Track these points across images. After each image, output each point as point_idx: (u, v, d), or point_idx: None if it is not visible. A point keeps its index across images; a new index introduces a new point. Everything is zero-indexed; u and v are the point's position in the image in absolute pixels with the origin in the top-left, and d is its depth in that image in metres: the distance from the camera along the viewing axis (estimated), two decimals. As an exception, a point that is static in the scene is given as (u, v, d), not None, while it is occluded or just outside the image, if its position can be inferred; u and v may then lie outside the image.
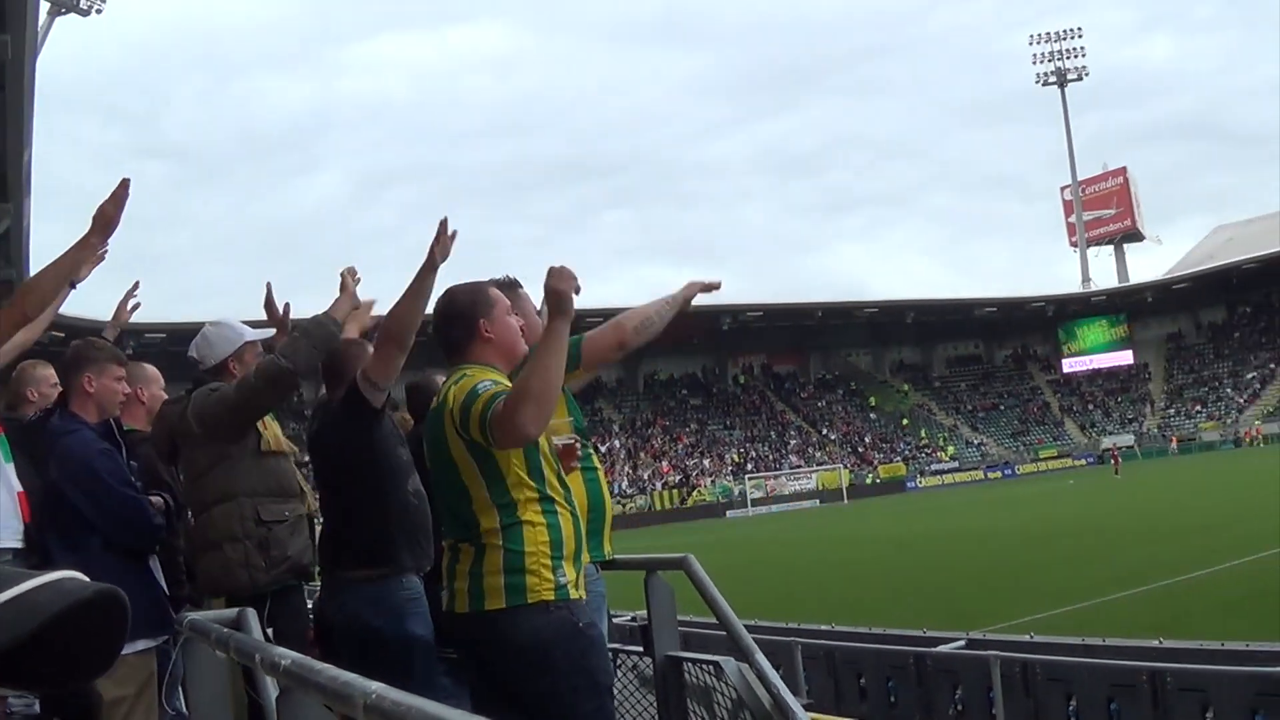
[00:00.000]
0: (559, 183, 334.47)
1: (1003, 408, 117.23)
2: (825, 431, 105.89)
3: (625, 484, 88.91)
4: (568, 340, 4.74)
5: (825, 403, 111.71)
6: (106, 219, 5.41)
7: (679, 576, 5.50)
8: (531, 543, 4.65)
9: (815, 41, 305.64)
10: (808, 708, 5.16)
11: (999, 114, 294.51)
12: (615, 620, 9.20)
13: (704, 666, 5.38)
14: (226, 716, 4.40)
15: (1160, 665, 12.27)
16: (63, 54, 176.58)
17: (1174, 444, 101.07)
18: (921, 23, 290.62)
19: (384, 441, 6.02)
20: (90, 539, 5.99)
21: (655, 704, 5.78)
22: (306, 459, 6.61)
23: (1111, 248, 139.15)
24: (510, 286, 5.75)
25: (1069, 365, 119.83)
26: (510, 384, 4.72)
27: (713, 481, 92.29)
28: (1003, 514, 50.95)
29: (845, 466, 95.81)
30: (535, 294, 6.00)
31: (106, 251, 6.21)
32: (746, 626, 5.27)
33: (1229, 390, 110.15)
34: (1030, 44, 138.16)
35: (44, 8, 59.91)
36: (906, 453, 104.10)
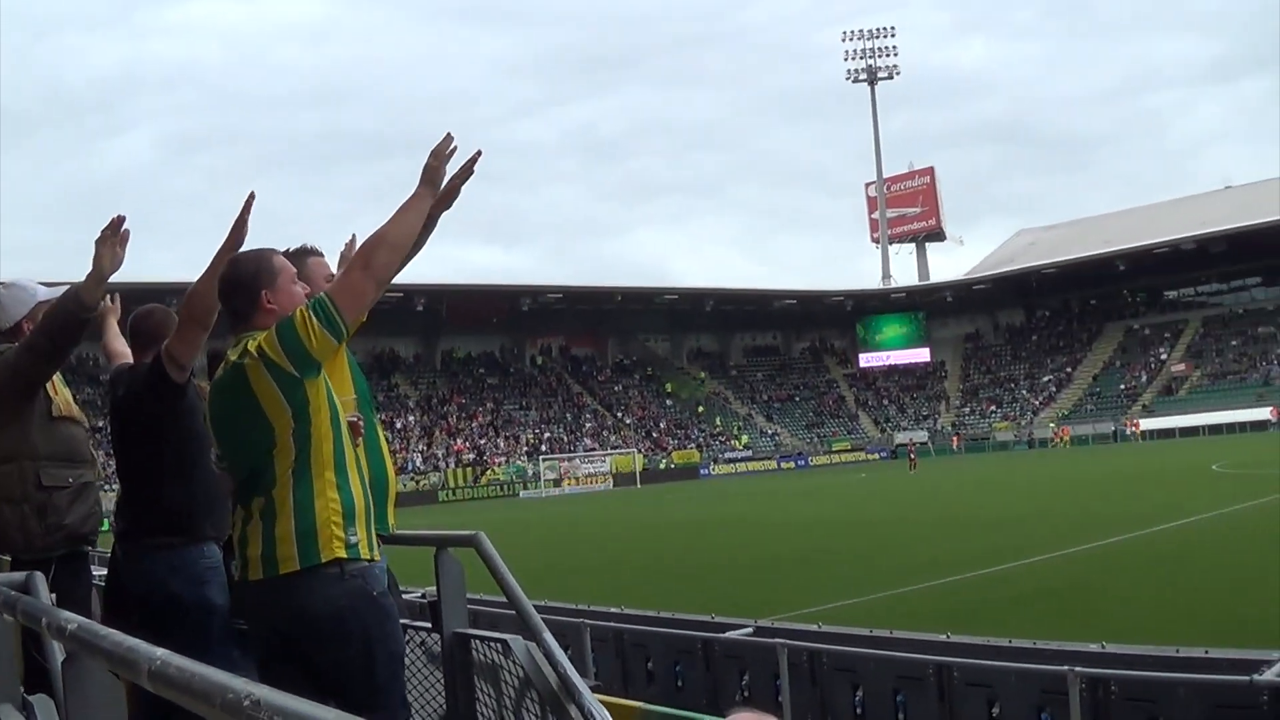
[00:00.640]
0: (368, 157, 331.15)
1: (798, 399, 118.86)
2: (621, 415, 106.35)
3: (419, 461, 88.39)
4: (426, 211, 5.08)
5: (622, 387, 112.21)
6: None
7: (470, 555, 5.49)
8: (322, 504, 4.64)
9: (629, 27, 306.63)
10: (595, 689, 5.19)
11: (810, 109, 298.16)
12: (405, 596, 9.14)
13: (492, 644, 5.37)
14: (13, 681, 4.30)
15: (947, 659, 12.47)
16: None
17: (955, 442, 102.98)
18: (737, 14, 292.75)
19: (188, 412, 5.94)
20: None
21: (443, 680, 5.78)
22: (101, 424, 6.49)
23: (913, 246, 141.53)
24: (301, 254, 5.70)
25: (866, 360, 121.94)
26: None
27: (507, 461, 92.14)
28: (795, 504, 51.57)
29: (639, 451, 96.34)
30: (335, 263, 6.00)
31: None
32: (536, 607, 5.28)
33: (1024, 392, 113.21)
34: (843, 40, 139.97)
35: None
36: (701, 440, 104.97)
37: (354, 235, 6.02)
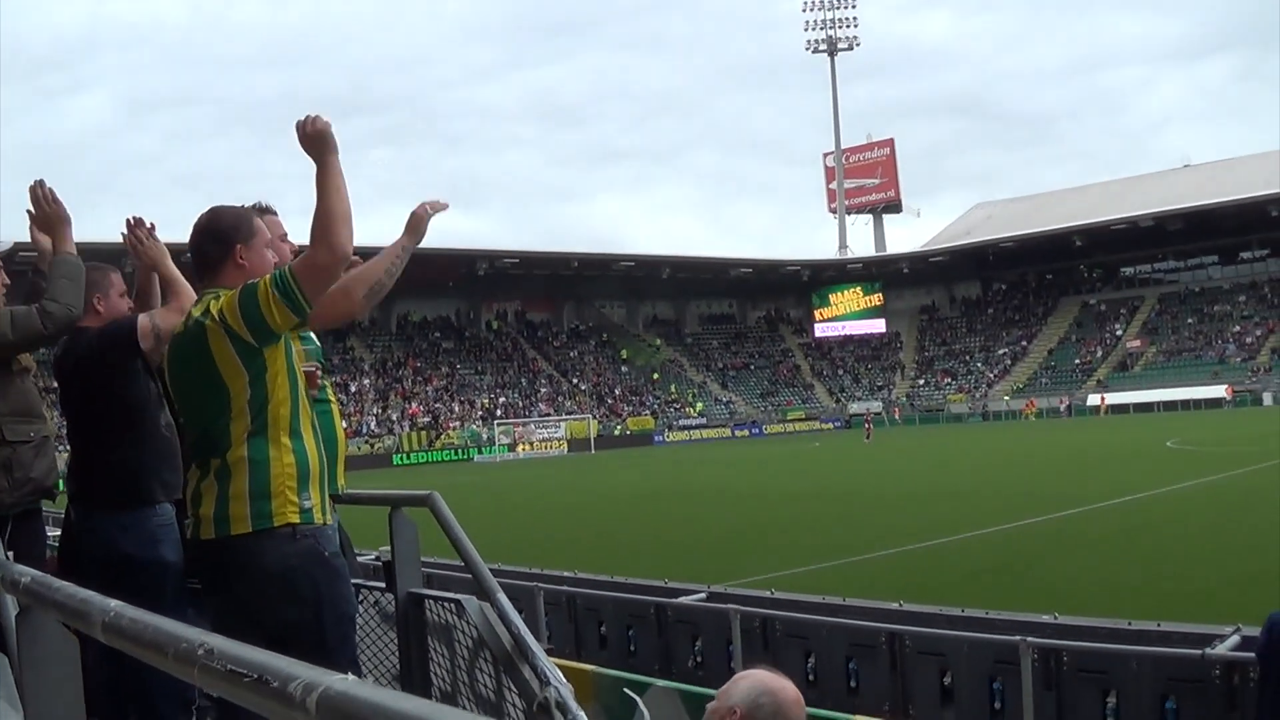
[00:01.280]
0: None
1: (753, 368, 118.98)
2: (576, 381, 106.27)
3: (374, 424, 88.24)
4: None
5: (577, 353, 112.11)
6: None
7: (424, 516, 5.47)
8: (278, 467, 4.61)
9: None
10: (548, 653, 5.17)
11: (770, 78, 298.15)
12: (360, 559, 9.09)
13: (446, 604, 5.35)
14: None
15: (900, 628, 12.51)
16: None
17: (896, 414, 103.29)
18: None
19: (142, 373, 5.92)
20: None
21: (396, 641, 5.75)
22: (55, 385, 6.44)
23: (870, 217, 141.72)
24: (260, 211, 5.64)
25: (821, 330, 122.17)
26: None
27: (462, 425, 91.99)
28: (749, 473, 51.70)
29: (594, 417, 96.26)
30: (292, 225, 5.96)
31: None
32: (490, 570, 5.26)
33: (979, 365, 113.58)
34: (803, 10, 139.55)
35: None
36: (655, 407, 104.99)
37: None
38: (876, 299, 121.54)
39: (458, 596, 5.26)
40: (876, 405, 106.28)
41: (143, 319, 5.86)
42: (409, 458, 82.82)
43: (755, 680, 3.47)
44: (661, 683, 10.54)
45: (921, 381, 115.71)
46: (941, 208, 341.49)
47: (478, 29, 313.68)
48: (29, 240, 6.61)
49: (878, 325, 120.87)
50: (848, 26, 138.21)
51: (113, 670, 5.62)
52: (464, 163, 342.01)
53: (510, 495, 47.01)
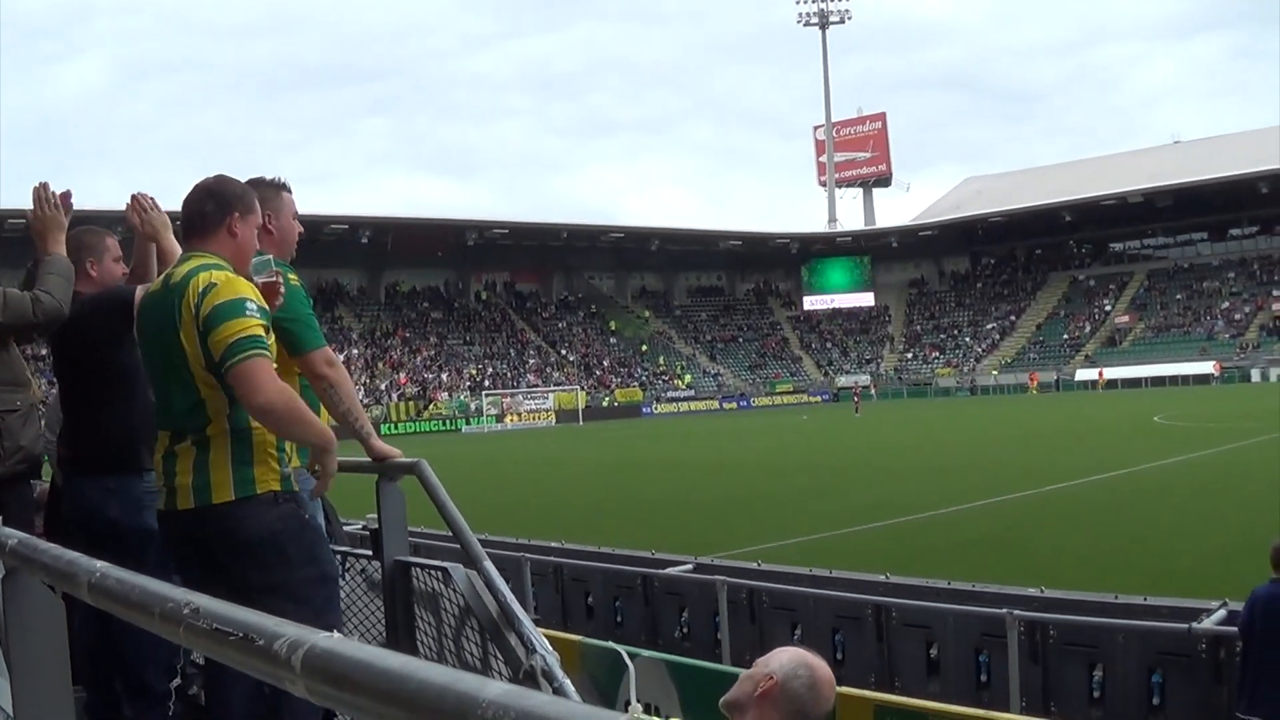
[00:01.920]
0: (319, 86, 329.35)
1: (741, 340, 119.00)
2: (564, 353, 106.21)
3: (362, 393, 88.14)
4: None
5: (566, 324, 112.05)
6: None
7: (412, 485, 5.46)
8: (260, 435, 4.61)
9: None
10: (535, 624, 5.18)
11: (764, 51, 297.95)
12: (346, 527, 9.08)
13: (432, 572, 5.35)
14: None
15: (886, 600, 12.56)
16: None
17: (873, 389, 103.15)
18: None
19: (134, 342, 5.91)
20: None
21: (383, 608, 5.76)
22: (45, 351, 6.44)
23: (860, 191, 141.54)
24: (276, 187, 5.72)
25: (810, 303, 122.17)
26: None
27: (450, 396, 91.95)
28: (737, 444, 51.80)
29: (582, 388, 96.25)
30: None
31: None
32: (478, 540, 5.27)
33: (968, 339, 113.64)
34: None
35: None
36: (644, 378, 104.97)
37: None
38: (865, 272, 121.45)
39: (444, 565, 5.27)
40: (865, 378, 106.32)
41: (140, 291, 5.84)
42: (397, 428, 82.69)
43: (795, 654, 3.59)
44: (648, 653, 10.56)
45: (910, 355, 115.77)
46: (932, 182, 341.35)
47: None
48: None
49: (866, 299, 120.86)
50: (839, 0, 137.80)
51: (98, 636, 5.62)
52: (457, 132, 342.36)
53: (498, 466, 47.03)
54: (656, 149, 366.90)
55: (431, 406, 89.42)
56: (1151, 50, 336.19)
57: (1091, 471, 29.53)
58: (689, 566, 15.51)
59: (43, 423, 6.55)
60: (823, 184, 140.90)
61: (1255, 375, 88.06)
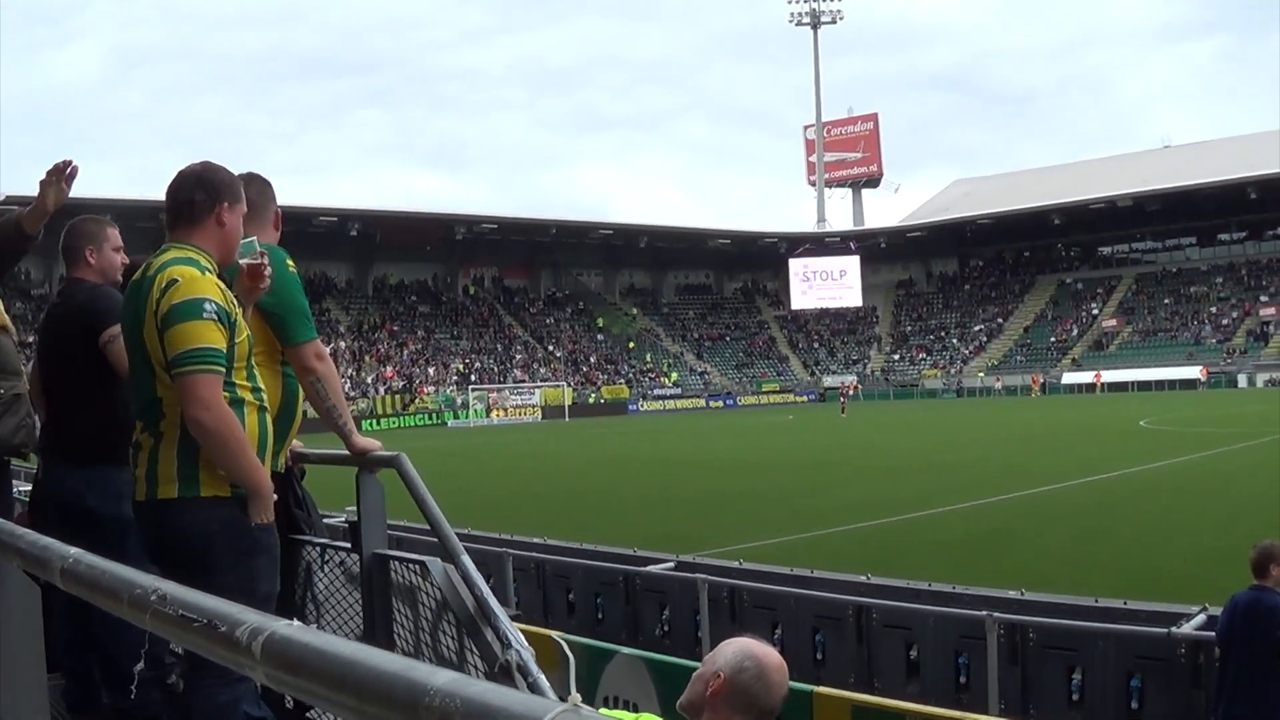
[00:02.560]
0: (314, 77, 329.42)
1: (729, 339, 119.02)
2: (551, 348, 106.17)
3: (348, 386, 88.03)
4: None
5: (553, 320, 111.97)
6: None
7: (392, 479, 5.48)
8: None
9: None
10: (515, 619, 5.20)
11: (758, 50, 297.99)
12: (326, 519, 9.14)
13: (410, 566, 5.37)
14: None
15: (867, 601, 12.59)
16: None
17: (853, 390, 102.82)
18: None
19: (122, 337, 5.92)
20: None
21: (361, 601, 5.77)
22: (32, 339, 6.42)
23: (849, 191, 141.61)
24: (268, 183, 5.77)
25: (798, 303, 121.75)
26: (223, 290, 4.65)
27: (436, 390, 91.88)
28: (722, 443, 51.81)
29: (569, 385, 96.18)
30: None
31: None
32: (459, 535, 5.28)
33: (955, 340, 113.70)
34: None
35: None
36: (630, 375, 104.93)
37: None
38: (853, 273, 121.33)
39: (422, 558, 5.28)
40: (852, 378, 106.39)
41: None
42: (382, 422, 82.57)
43: (740, 646, 3.55)
44: (629, 650, 10.57)
45: (896, 356, 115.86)
46: (922, 184, 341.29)
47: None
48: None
49: (854, 299, 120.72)
50: (831, 0, 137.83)
51: (76, 624, 5.64)
52: (450, 125, 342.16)
53: (483, 461, 47.05)
54: (648, 146, 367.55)
55: (417, 400, 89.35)
56: (1143, 54, 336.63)
57: (1076, 475, 29.61)
58: (670, 564, 15.54)
59: (36, 418, 6.51)
60: (812, 183, 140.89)
61: (1242, 380, 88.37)
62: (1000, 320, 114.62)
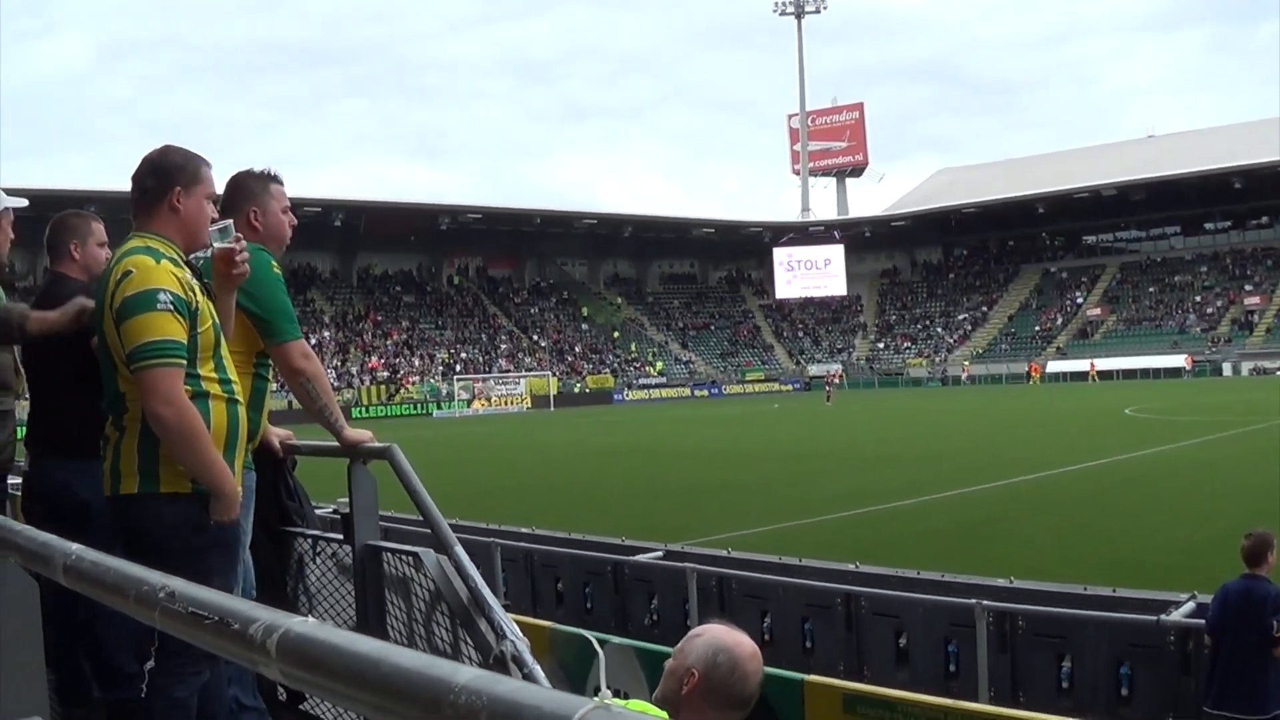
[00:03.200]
0: (297, 67, 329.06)
1: (714, 328, 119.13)
2: (536, 338, 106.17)
3: (333, 377, 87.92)
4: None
5: (538, 309, 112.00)
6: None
7: (384, 470, 5.47)
8: None
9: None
10: (504, 609, 5.19)
11: (742, 39, 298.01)
12: (318, 511, 9.14)
13: (403, 557, 5.36)
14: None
15: (856, 589, 12.59)
16: None
17: (838, 379, 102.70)
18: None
19: None
20: None
21: (354, 592, 5.76)
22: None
23: (833, 180, 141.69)
24: (264, 179, 5.77)
25: (782, 292, 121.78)
26: (180, 279, 4.59)
27: (421, 380, 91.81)
28: (708, 432, 51.84)
29: (554, 374, 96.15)
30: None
31: None
32: (447, 523, 5.27)
33: (939, 329, 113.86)
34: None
35: None
36: (615, 365, 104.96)
37: None
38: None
39: (415, 549, 5.27)
40: (837, 367, 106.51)
41: None
42: (367, 411, 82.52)
43: (710, 638, 3.42)
44: (617, 640, 10.57)
45: (881, 345, 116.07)
46: (906, 173, 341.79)
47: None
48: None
49: (839, 288, 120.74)
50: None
51: (64, 619, 5.61)
52: (433, 115, 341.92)
53: (469, 451, 46.98)
54: (633, 136, 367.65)
55: (402, 391, 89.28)
56: (1129, 44, 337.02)
57: (1063, 463, 29.67)
58: (659, 554, 15.53)
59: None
60: (796, 173, 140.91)
61: (1226, 369, 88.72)
62: (985, 309, 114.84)
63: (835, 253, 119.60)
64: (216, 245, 4.85)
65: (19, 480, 6.93)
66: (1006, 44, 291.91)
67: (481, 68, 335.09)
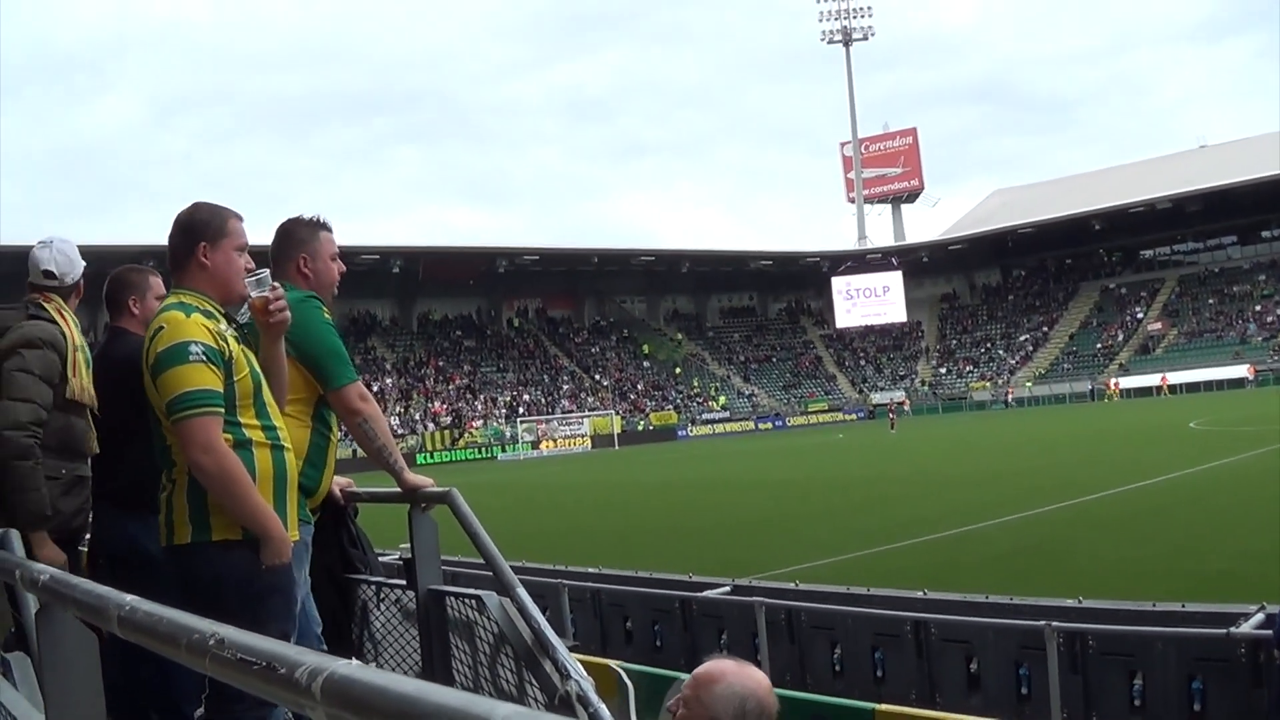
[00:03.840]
0: (353, 116, 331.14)
1: (775, 360, 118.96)
2: (598, 377, 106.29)
3: (396, 423, 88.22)
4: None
5: (599, 349, 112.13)
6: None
7: (445, 515, 5.49)
8: None
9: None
10: (573, 649, 5.20)
11: (794, 69, 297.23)
12: (381, 558, 9.18)
13: (466, 601, 5.37)
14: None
15: (924, 616, 12.53)
16: None
17: (906, 405, 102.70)
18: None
19: None
20: None
21: (419, 637, 5.78)
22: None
23: (889, 207, 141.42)
24: (313, 227, 5.80)
25: (842, 321, 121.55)
26: (211, 330, 4.65)
27: (484, 424, 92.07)
28: (772, 465, 51.70)
29: (617, 413, 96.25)
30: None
31: None
32: (513, 567, 5.29)
33: (1001, 351, 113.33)
34: (818, 1, 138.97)
35: None
36: (678, 401, 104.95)
37: None
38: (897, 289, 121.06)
39: (478, 592, 5.28)
40: (900, 394, 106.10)
41: None
42: (432, 457, 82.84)
43: (732, 684, 3.18)
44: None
45: (944, 370, 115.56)
46: (961, 196, 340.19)
47: (505, 25, 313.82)
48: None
49: (898, 314, 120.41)
50: (862, 16, 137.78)
51: (133, 671, 5.64)
52: (490, 160, 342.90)
53: (534, 492, 47.07)
54: (689, 171, 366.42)
55: (466, 435, 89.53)
56: (1179, 54, 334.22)
57: (1128, 480, 29.43)
58: (726, 588, 15.50)
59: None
60: (851, 200, 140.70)
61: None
62: (1045, 329, 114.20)
63: (894, 279, 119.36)
64: (253, 295, 4.89)
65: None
66: (1056, 60, 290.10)
67: (536, 109, 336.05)
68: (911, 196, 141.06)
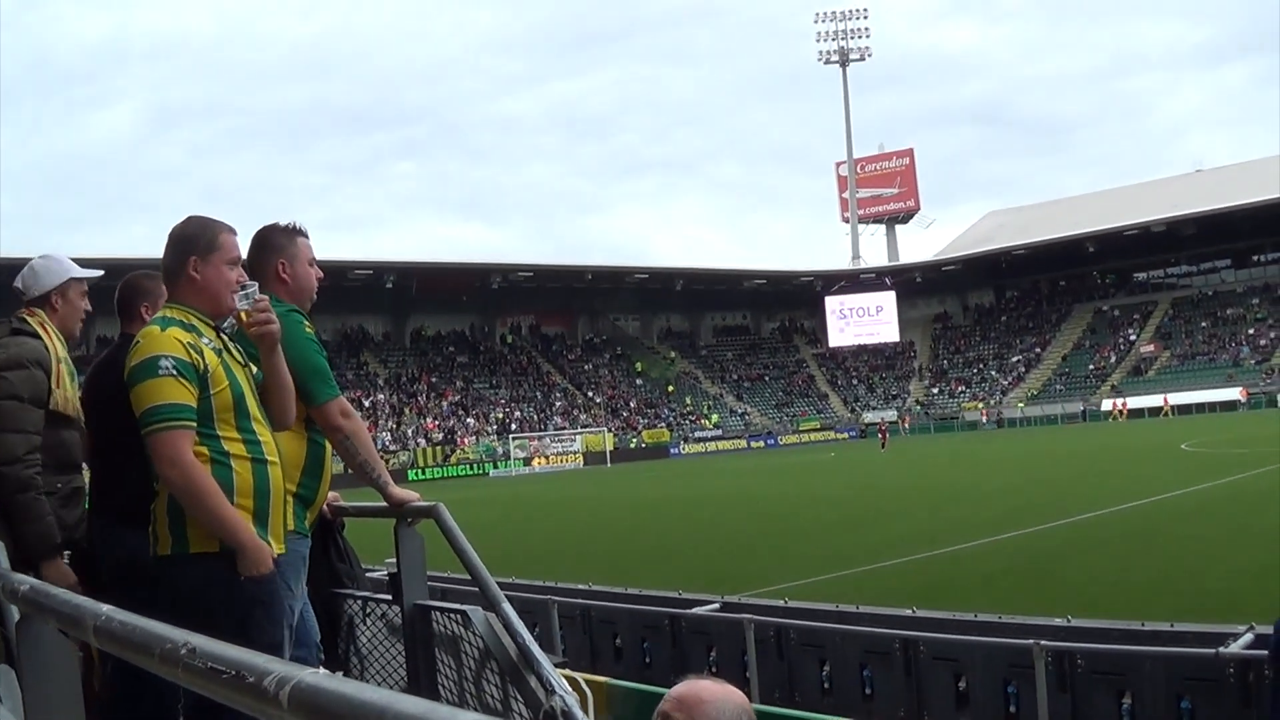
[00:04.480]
0: (351, 130, 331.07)
1: (768, 379, 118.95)
2: (590, 394, 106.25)
3: (388, 439, 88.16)
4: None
5: (592, 366, 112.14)
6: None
7: (431, 530, 5.49)
8: None
9: (614, 3, 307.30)
10: (563, 666, 5.21)
11: (791, 88, 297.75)
12: (370, 574, 9.17)
13: (452, 615, 5.37)
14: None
15: (914, 634, 12.54)
16: None
17: (905, 424, 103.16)
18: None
19: None
20: None
21: (404, 652, 5.78)
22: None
23: (883, 227, 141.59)
24: (290, 233, 5.76)
25: (835, 340, 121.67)
26: (185, 343, 4.65)
27: (477, 440, 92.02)
28: (763, 482, 51.67)
29: (609, 430, 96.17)
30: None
31: None
32: (503, 584, 5.30)
33: (994, 372, 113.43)
34: (815, 22, 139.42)
35: None
36: (671, 419, 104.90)
37: None
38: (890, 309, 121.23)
39: (463, 607, 5.29)
40: (891, 414, 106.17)
41: None
42: (424, 473, 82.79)
43: (723, 705, 3.04)
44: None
45: (936, 390, 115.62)
46: (955, 216, 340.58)
47: (503, 41, 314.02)
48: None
49: (891, 334, 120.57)
50: (859, 37, 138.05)
51: (131, 687, 5.61)
52: (487, 175, 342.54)
53: (525, 508, 47.05)
54: (686, 189, 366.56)
55: (458, 451, 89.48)
56: (1179, 79, 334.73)
57: (1119, 500, 29.44)
58: (716, 606, 15.50)
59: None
60: (846, 220, 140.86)
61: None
62: (1038, 350, 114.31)
63: (887, 299, 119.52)
64: (240, 307, 4.88)
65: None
66: (1053, 83, 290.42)
67: (534, 126, 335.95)
68: (907, 217, 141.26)
